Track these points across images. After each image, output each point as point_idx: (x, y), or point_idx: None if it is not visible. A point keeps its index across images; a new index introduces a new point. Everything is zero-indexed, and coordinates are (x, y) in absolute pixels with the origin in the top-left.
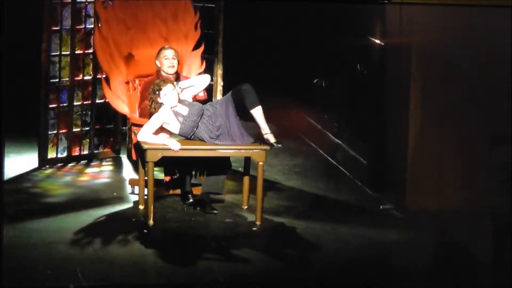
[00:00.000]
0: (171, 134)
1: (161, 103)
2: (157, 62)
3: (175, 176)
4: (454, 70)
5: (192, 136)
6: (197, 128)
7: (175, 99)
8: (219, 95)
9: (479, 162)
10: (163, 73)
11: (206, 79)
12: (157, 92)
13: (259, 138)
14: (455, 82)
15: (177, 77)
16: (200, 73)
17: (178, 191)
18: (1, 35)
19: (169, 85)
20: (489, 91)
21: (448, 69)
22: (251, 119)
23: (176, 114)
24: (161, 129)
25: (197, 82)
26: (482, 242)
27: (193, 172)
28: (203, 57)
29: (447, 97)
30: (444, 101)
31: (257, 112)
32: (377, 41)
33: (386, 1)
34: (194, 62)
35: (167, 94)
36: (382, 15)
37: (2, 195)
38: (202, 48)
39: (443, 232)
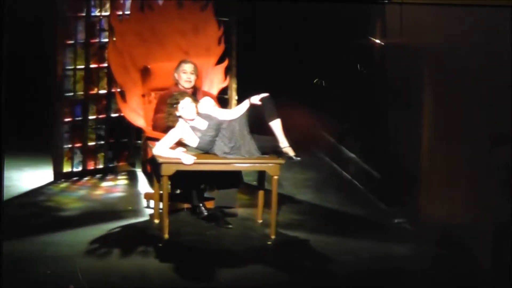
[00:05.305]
0: (187, 147)
1: (179, 117)
2: (175, 75)
3: (181, 190)
4: (455, 72)
5: (210, 151)
6: (214, 143)
7: (192, 113)
8: None
9: (490, 172)
10: (180, 87)
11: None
12: (174, 106)
13: (277, 151)
14: (464, 86)
15: (194, 91)
16: (222, 88)
17: None
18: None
19: (187, 99)
20: (493, 91)
21: (449, 71)
22: (268, 132)
23: (194, 129)
24: (179, 143)
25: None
26: (494, 254)
27: (203, 186)
28: (226, 72)
29: (457, 103)
30: (455, 108)
31: (276, 125)
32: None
33: (386, 1)
34: (217, 77)
35: (185, 108)
36: (382, 15)
37: (1, 206)
38: (226, 63)
39: (449, 243)
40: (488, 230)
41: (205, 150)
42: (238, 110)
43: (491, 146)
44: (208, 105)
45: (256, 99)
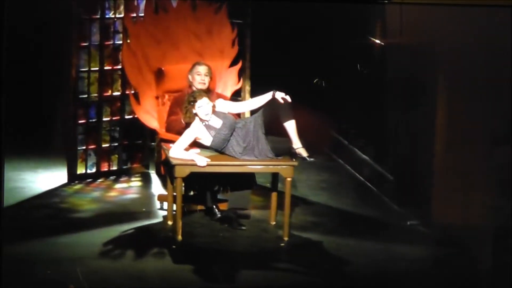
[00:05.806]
0: (201, 147)
1: (195, 114)
2: (189, 77)
3: (195, 192)
4: (455, 71)
5: (224, 149)
6: (228, 141)
7: (208, 113)
8: (247, 113)
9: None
10: (194, 89)
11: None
12: (192, 103)
13: (290, 153)
14: (464, 86)
15: (208, 93)
16: (236, 90)
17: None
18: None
19: (205, 98)
20: (493, 91)
21: (449, 71)
22: (281, 133)
23: (209, 127)
24: (193, 143)
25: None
26: (494, 254)
27: (216, 188)
28: (240, 74)
29: (457, 103)
30: (455, 108)
31: (291, 126)
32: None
33: (386, 1)
34: (231, 79)
35: (202, 107)
36: (382, 15)
37: (1, 208)
38: (239, 65)
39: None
40: (488, 230)
41: (218, 149)
42: (259, 100)
43: (491, 146)
44: (223, 106)
45: (279, 96)
